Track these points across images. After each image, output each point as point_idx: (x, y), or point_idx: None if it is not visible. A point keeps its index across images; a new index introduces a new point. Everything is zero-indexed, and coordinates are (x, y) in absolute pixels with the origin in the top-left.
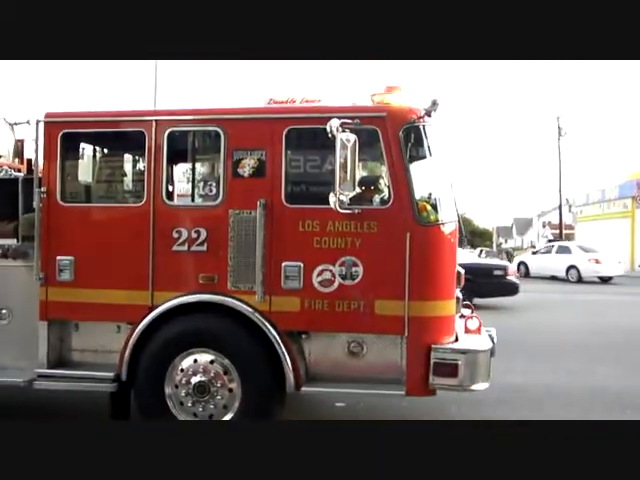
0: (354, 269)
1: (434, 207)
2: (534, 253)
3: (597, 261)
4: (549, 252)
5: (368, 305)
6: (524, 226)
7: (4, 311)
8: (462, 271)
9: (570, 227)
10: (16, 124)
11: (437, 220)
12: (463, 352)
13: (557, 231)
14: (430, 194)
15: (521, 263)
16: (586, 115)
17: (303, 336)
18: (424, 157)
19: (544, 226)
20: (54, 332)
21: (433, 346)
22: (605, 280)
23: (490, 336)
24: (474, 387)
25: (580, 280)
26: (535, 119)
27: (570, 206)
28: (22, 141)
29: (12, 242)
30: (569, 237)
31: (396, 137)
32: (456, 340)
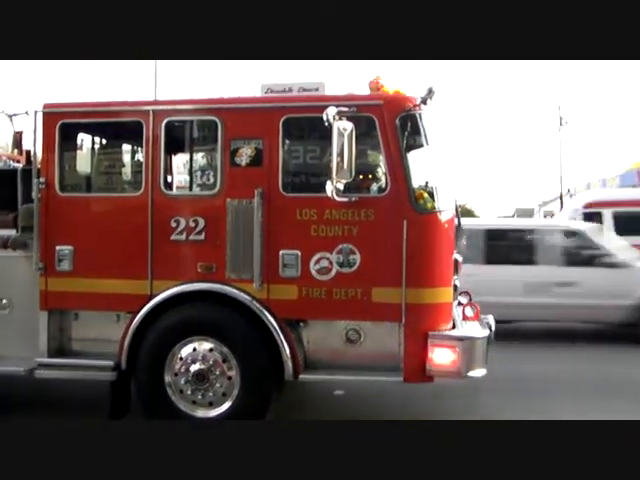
0: (351, 257)
1: (431, 195)
2: None
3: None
4: None
5: (365, 293)
6: (526, 216)
7: (4, 301)
8: (460, 259)
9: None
10: (15, 115)
11: (434, 208)
12: (460, 339)
13: None
14: (427, 182)
15: None
16: (587, 104)
17: (301, 324)
18: (421, 145)
19: (545, 216)
20: (54, 322)
21: (430, 333)
22: None
23: (488, 324)
24: (471, 374)
25: None
26: (536, 108)
27: (571, 195)
28: (21, 132)
29: (12, 233)
30: None
31: (392, 125)
32: (453, 327)
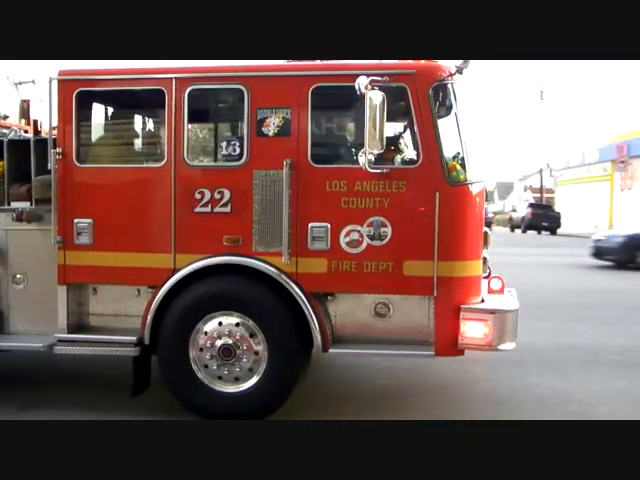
0: (382, 229)
1: (463, 166)
2: None
3: None
4: None
5: (397, 266)
6: (506, 190)
7: (19, 276)
8: (489, 231)
9: (550, 191)
10: (20, 83)
11: (466, 180)
12: (492, 312)
13: (538, 195)
14: (459, 153)
15: None
16: (568, 79)
17: (329, 297)
18: (453, 116)
19: (525, 190)
20: (73, 296)
21: (462, 306)
22: None
23: (512, 296)
24: (502, 347)
25: None
26: (517, 82)
27: (551, 170)
28: (28, 101)
29: (25, 205)
30: (549, 201)
31: (425, 95)
32: (482, 301)
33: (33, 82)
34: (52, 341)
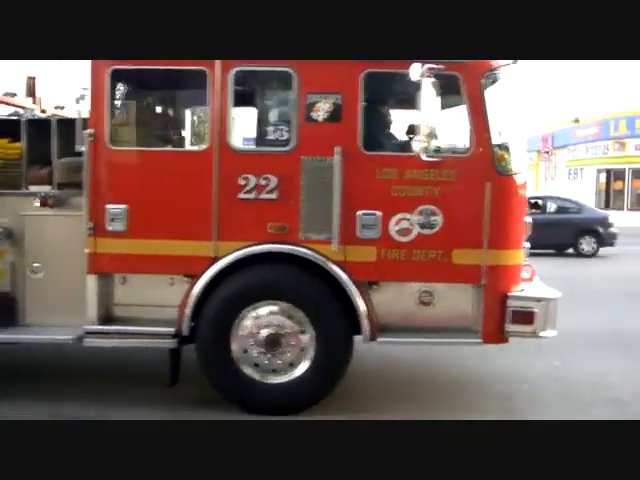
0: (433, 218)
1: (510, 157)
2: None
3: None
4: None
5: (446, 254)
6: None
7: (36, 264)
8: (530, 220)
9: None
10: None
11: (513, 170)
12: (538, 300)
13: None
14: (507, 144)
15: None
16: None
17: (374, 286)
18: (502, 106)
19: None
20: (101, 286)
21: (509, 294)
22: None
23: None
24: (544, 334)
25: None
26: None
27: None
28: (34, 78)
29: (47, 189)
30: None
31: (477, 84)
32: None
33: None
34: (80, 333)
